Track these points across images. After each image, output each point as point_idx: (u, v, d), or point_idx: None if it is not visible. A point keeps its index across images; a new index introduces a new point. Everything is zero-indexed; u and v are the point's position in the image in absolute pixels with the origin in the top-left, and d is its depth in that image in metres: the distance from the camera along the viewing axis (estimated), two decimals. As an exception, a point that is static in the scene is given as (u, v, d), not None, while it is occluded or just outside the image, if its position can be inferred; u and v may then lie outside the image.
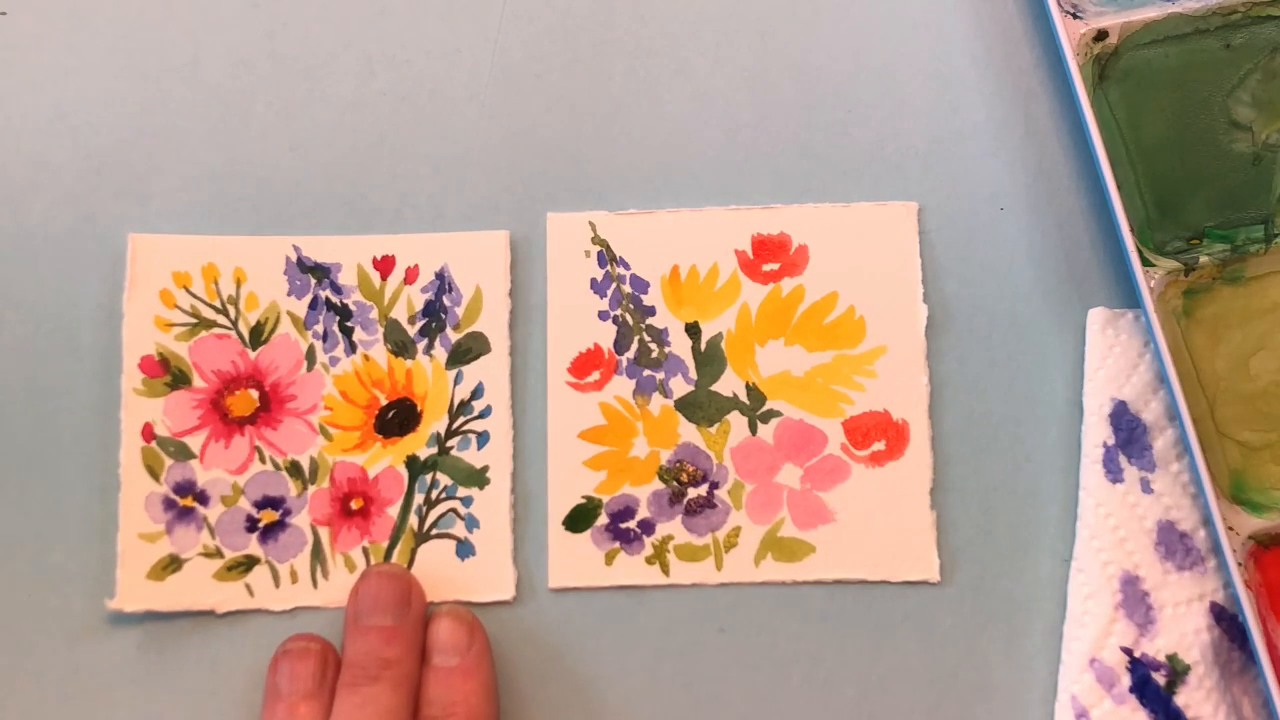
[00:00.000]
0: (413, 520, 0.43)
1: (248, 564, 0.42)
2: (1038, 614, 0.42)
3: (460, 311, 0.43)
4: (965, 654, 0.42)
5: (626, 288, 0.44)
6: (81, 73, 0.45)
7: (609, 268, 0.44)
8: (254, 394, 0.43)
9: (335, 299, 0.43)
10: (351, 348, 0.43)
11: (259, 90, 0.45)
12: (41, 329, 0.44)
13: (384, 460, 0.43)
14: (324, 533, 0.43)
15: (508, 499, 0.43)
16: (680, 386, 0.44)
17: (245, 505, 0.43)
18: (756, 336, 0.44)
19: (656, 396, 0.43)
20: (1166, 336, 0.41)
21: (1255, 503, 0.41)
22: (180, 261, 0.44)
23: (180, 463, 0.43)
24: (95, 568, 0.42)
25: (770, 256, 0.44)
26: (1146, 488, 0.42)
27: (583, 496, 0.43)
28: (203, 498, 0.43)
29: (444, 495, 0.43)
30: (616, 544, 0.43)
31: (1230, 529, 0.41)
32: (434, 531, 0.43)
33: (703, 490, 0.43)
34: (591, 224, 0.44)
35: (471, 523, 0.43)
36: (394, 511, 0.43)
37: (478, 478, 0.43)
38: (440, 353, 0.43)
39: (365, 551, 0.42)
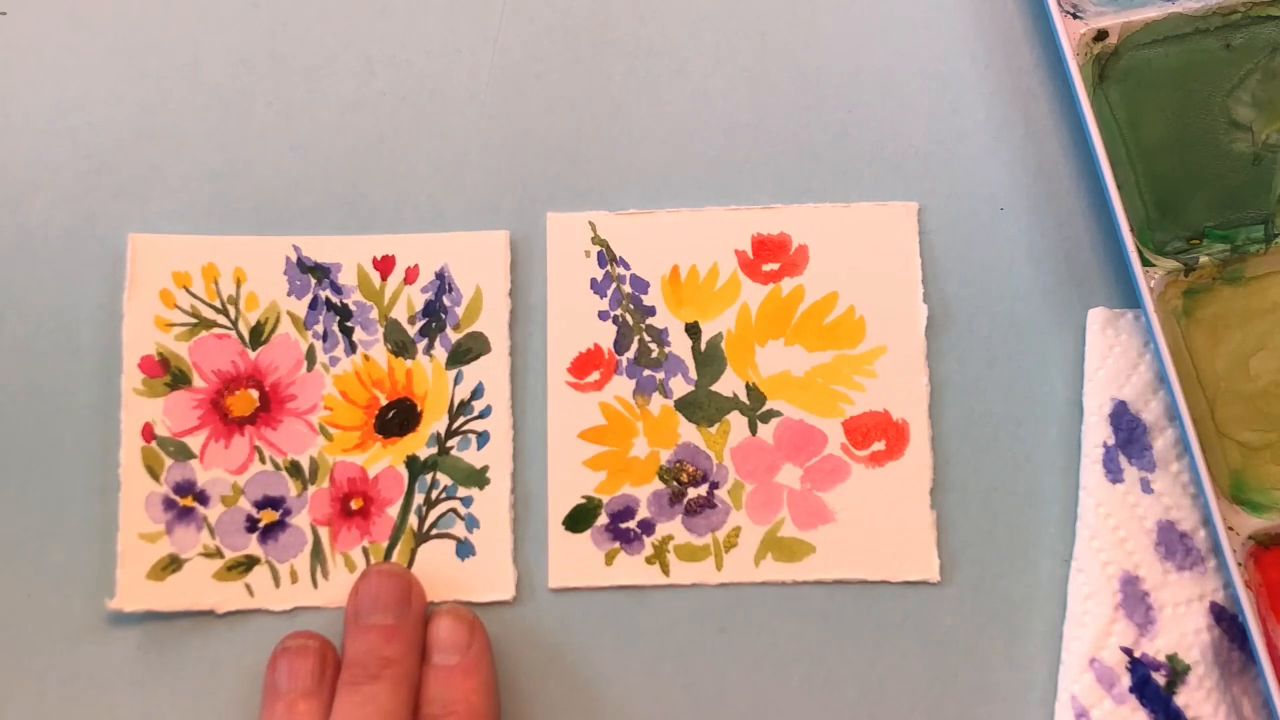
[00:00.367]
0: (413, 520, 0.43)
1: (248, 564, 0.42)
2: (1038, 614, 0.42)
3: (460, 311, 0.43)
4: (965, 654, 0.42)
5: (626, 288, 0.44)
6: (81, 73, 0.45)
7: (609, 268, 0.44)
8: (254, 394, 0.43)
9: (335, 299, 0.43)
10: (351, 348, 0.43)
11: (259, 90, 0.45)
12: (41, 329, 0.44)
13: (384, 460, 0.43)
14: (324, 533, 0.43)
15: (508, 499, 0.43)
16: (680, 386, 0.44)
17: (245, 505, 0.43)
18: (756, 336, 0.44)
19: (656, 396, 0.43)
20: (1166, 336, 0.41)
21: (1255, 503, 0.41)
22: (180, 261, 0.44)
23: (180, 463, 0.43)
24: (95, 568, 0.42)
25: (770, 256, 0.44)
26: (1146, 488, 0.42)
27: (583, 496, 0.43)
28: (203, 498, 0.43)
29: (444, 495, 0.43)
30: (616, 544, 0.43)
31: (1230, 529, 0.41)
32: (434, 531, 0.43)
33: (703, 490, 0.43)
34: (591, 224, 0.44)
35: (471, 523, 0.43)
36: (394, 511, 0.43)
37: (478, 478, 0.43)
38: (440, 353, 0.43)
39: (365, 551, 0.42)
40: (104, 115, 0.45)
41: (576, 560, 0.43)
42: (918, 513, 0.43)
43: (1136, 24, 0.43)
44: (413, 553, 0.43)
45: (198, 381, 0.43)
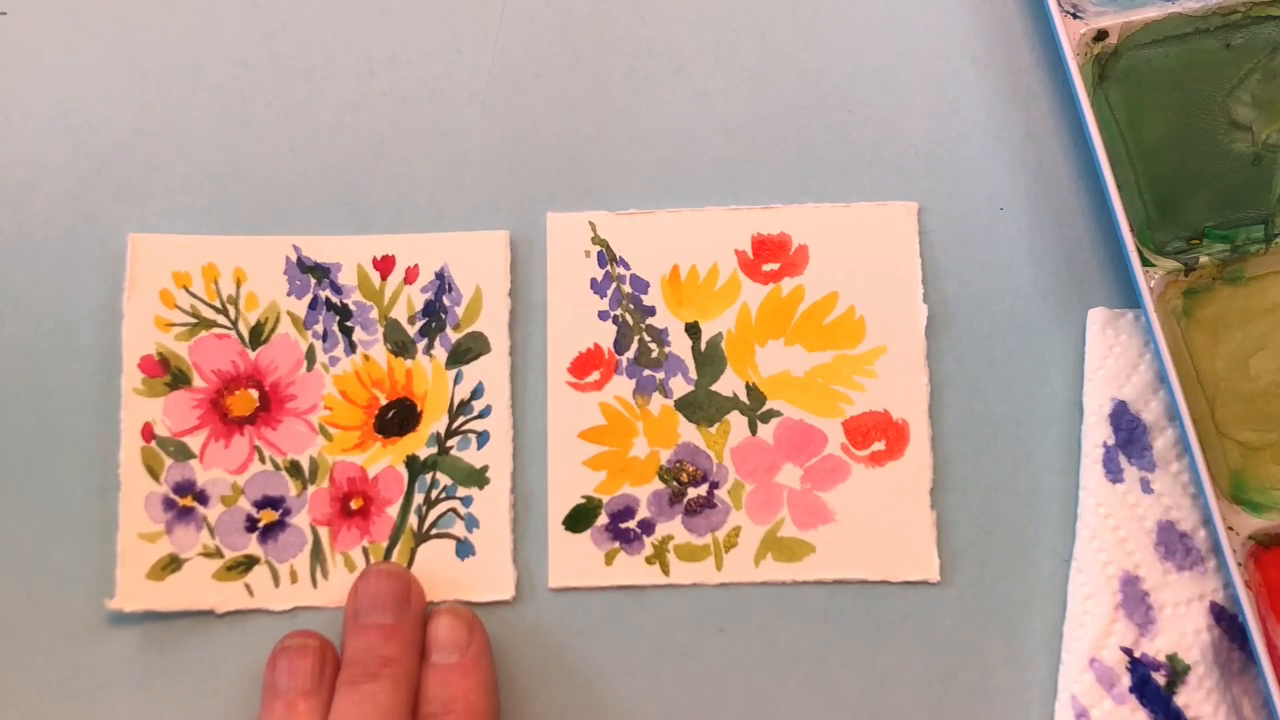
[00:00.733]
0: (412, 520, 0.43)
1: (247, 564, 0.42)
2: (1038, 614, 0.42)
3: (460, 311, 0.43)
4: (965, 654, 0.42)
5: (626, 288, 0.44)
6: (81, 73, 0.45)
7: (609, 268, 0.44)
8: (254, 394, 0.43)
9: (335, 299, 0.43)
10: (351, 347, 0.43)
11: (259, 90, 0.45)
12: (41, 329, 0.44)
13: (384, 460, 0.43)
14: (324, 532, 0.43)
15: (508, 499, 0.43)
16: (680, 386, 0.44)
17: (245, 505, 0.43)
18: (756, 336, 0.44)
19: (656, 396, 0.43)
20: (1166, 336, 0.41)
21: (1255, 503, 0.41)
22: (180, 261, 0.44)
23: (180, 462, 0.43)
24: (95, 568, 0.42)
25: (770, 256, 0.44)
26: (1146, 488, 0.42)
27: (583, 496, 0.43)
28: (202, 497, 0.43)
29: (444, 495, 0.43)
30: (616, 544, 0.43)
31: (1230, 529, 0.41)
32: (434, 531, 0.43)
33: (703, 490, 0.43)
34: (591, 224, 0.44)
35: (471, 522, 0.43)
36: (394, 511, 0.43)
37: (477, 478, 0.43)
38: (440, 352, 0.43)
39: (365, 551, 0.43)
40: (104, 115, 0.45)
41: (576, 560, 0.43)
42: (918, 513, 0.43)
43: (1136, 24, 0.43)
44: (412, 552, 0.43)
45: (197, 381, 0.43)
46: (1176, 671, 0.41)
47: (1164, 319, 0.42)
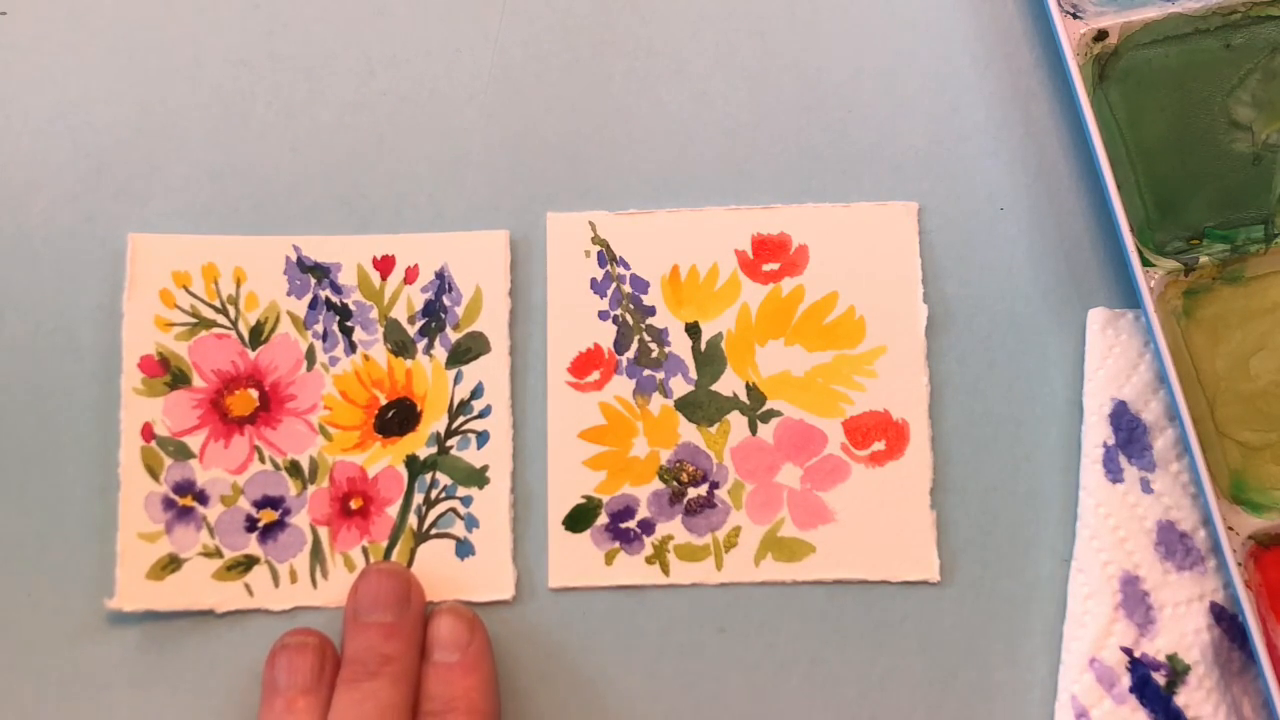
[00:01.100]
0: (412, 520, 0.43)
1: (247, 564, 0.42)
2: (1038, 614, 0.42)
3: (460, 311, 0.43)
4: (965, 654, 0.42)
5: (626, 288, 0.44)
6: (81, 73, 0.45)
7: (609, 268, 0.44)
8: (254, 394, 0.43)
9: (335, 299, 0.43)
10: (351, 347, 0.43)
11: (259, 90, 0.45)
12: (41, 329, 0.44)
13: (383, 460, 0.43)
14: (323, 532, 0.43)
15: (508, 499, 0.43)
16: (680, 386, 0.44)
17: (245, 505, 0.43)
18: (756, 336, 0.44)
19: (656, 396, 0.43)
20: (1166, 336, 0.41)
21: (1255, 503, 0.41)
22: (180, 261, 0.44)
23: (180, 462, 0.43)
24: (95, 568, 0.42)
25: (770, 256, 0.44)
26: (1146, 488, 0.42)
27: (583, 496, 0.43)
28: (202, 497, 0.43)
29: (444, 495, 0.43)
30: (616, 544, 0.43)
31: (1230, 529, 0.41)
32: (433, 531, 0.43)
33: (703, 490, 0.43)
34: (591, 224, 0.44)
35: (471, 522, 0.43)
36: (393, 511, 0.43)
37: (477, 477, 0.43)
38: (440, 352, 0.43)
39: (365, 551, 0.43)
40: (104, 115, 0.45)
41: (576, 560, 0.43)
42: (918, 513, 0.43)
43: (1136, 24, 0.43)
44: (412, 552, 0.43)
45: (197, 381, 0.43)
46: (1176, 671, 0.41)
47: (1164, 319, 0.42)
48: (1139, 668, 0.41)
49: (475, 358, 0.43)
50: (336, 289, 0.43)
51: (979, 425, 0.43)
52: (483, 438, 0.43)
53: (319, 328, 0.43)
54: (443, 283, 0.43)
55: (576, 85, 0.45)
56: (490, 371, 0.43)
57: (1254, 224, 0.43)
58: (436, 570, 0.42)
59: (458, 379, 0.43)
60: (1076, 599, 0.42)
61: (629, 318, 0.44)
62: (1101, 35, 0.43)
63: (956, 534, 0.43)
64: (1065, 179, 0.44)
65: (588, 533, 0.43)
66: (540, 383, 0.44)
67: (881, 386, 0.43)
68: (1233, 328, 0.42)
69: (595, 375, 0.44)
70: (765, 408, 0.43)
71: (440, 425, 0.43)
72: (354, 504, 0.43)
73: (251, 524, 0.43)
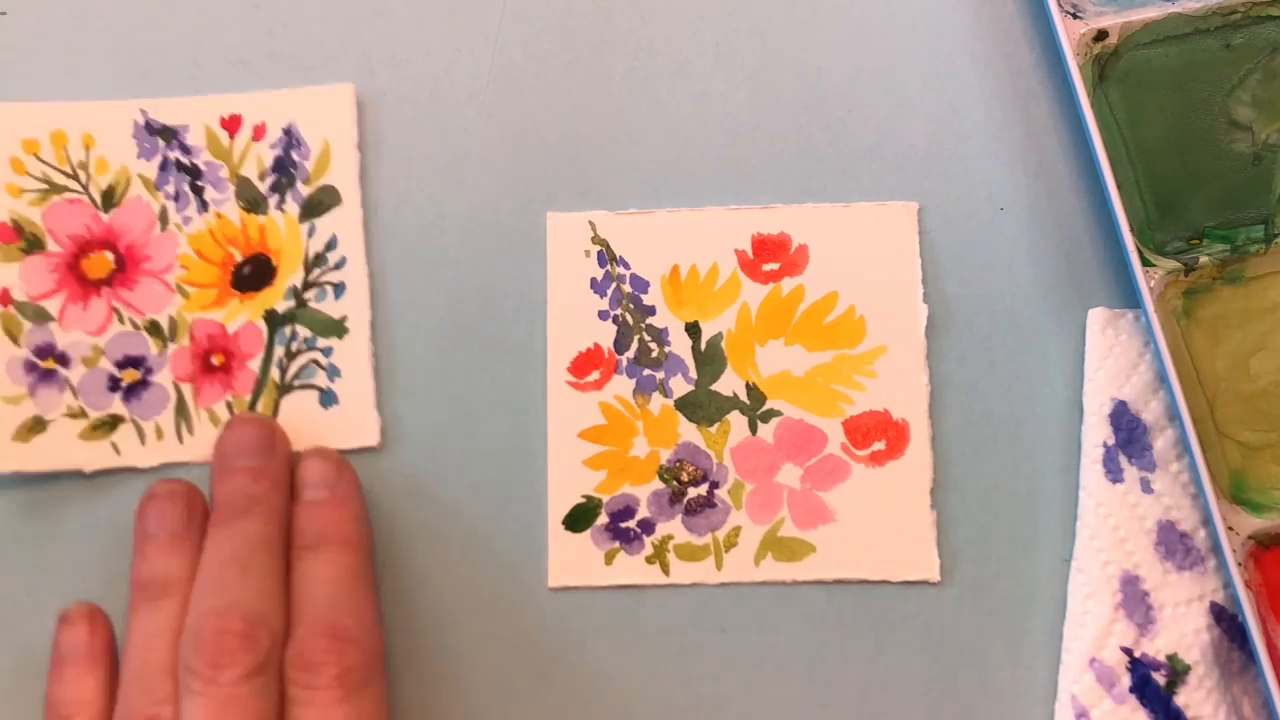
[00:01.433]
0: (274, 373, 0.43)
1: (112, 423, 0.43)
2: (1038, 614, 0.42)
3: (309, 166, 0.44)
4: (965, 654, 0.42)
5: (626, 287, 0.44)
6: (81, 73, 0.45)
7: (609, 267, 0.44)
8: (109, 256, 0.44)
9: (185, 159, 0.44)
10: (204, 207, 0.44)
11: (258, 90, 0.45)
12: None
13: (242, 316, 0.44)
14: (187, 389, 0.43)
15: (368, 347, 0.43)
16: (680, 386, 0.44)
17: (107, 365, 0.43)
18: (756, 336, 0.44)
19: (656, 396, 0.43)
20: (1166, 336, 0.41)
21: (1255, 503, 0.41)
22: (29, 129, 0.44)
23: (39, 326, 0.43)
24: (-45, 430, 0.43)
25: (770, 256, 0.44)
26: (1146, 488, 0.42)
27: (583, 496, 0.43)
28: (64, 360, 0.43)
29: (304, 347, 0.43)
30: (616, 544, 0.43)
31: (1230, 529, 0.41)
32: (296, 383, 0.43)
33: (703, 490, 0.43)
34: (591, 224, 0.44)
35: (333, 372, 0.43)
36: (255, 365, 0.43)
37: (336, 328, 0.43)
38: (292, 207, 0.44)
39: (229, 405, 0.43)
40: (104, 115, 0.45)
41: (576, 560, 0.43)
42: (918, 513, 0.43)
43: (1136, 24, 0.43)
44: (276, 404, 0.43)
45: (52, 246, 0.44)
46: (1176, 671, 0.41)
47: (1164, 319, 0.42)
48: (1139, 668, 0.41)
49: (327, 210, 0.44)
50: (185, 150, 0.44)
51: (979, 425, 0.43)
52: (339, 289, 0.44)
53: (170, 189, 0.44)
54: (291, 139, 0.44)
55: (576, 85, 0.45)
56: (343, 224, 0.44)
57: (1254, 224, 0.43)
58: (301, 420, 0.43)
59: (311, 232, 0.44)
60: (1076, 599, 0.42)
61: (629, 317, 0.44)
62: (1101, 35, 0.43)
63: (956, 534, 0.43)
64: (1065, 179, 0.44)
65: (588, 532, 0.43)
66: (540, 382, 0.44)
67: (881, 386, 0.43)
68: (1233, 328, 0.42)
69: (595, 375, 0.44)
70: (765, 407, 0.43)
71: (297, 279, 0.44)
72: (215, 360, 0.43)
73: (114, 384, 0.43)
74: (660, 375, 0.44)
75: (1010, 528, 0.43)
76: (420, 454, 0.43)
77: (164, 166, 0.44)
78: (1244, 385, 0.42)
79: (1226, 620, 0.42)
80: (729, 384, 0.43)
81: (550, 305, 0.44)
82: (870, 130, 0.45)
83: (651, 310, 0.44)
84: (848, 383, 0.43)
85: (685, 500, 0.43)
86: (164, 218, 0.44)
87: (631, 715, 0.42)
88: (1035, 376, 0.44)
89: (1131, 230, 0.42)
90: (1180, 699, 0.41)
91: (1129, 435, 0.42)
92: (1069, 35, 0.43)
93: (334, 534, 0.40)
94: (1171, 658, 0.41)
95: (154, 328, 0.43)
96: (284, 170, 0.44)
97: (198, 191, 0.44)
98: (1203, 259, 0.42)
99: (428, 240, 0.44)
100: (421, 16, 0.45)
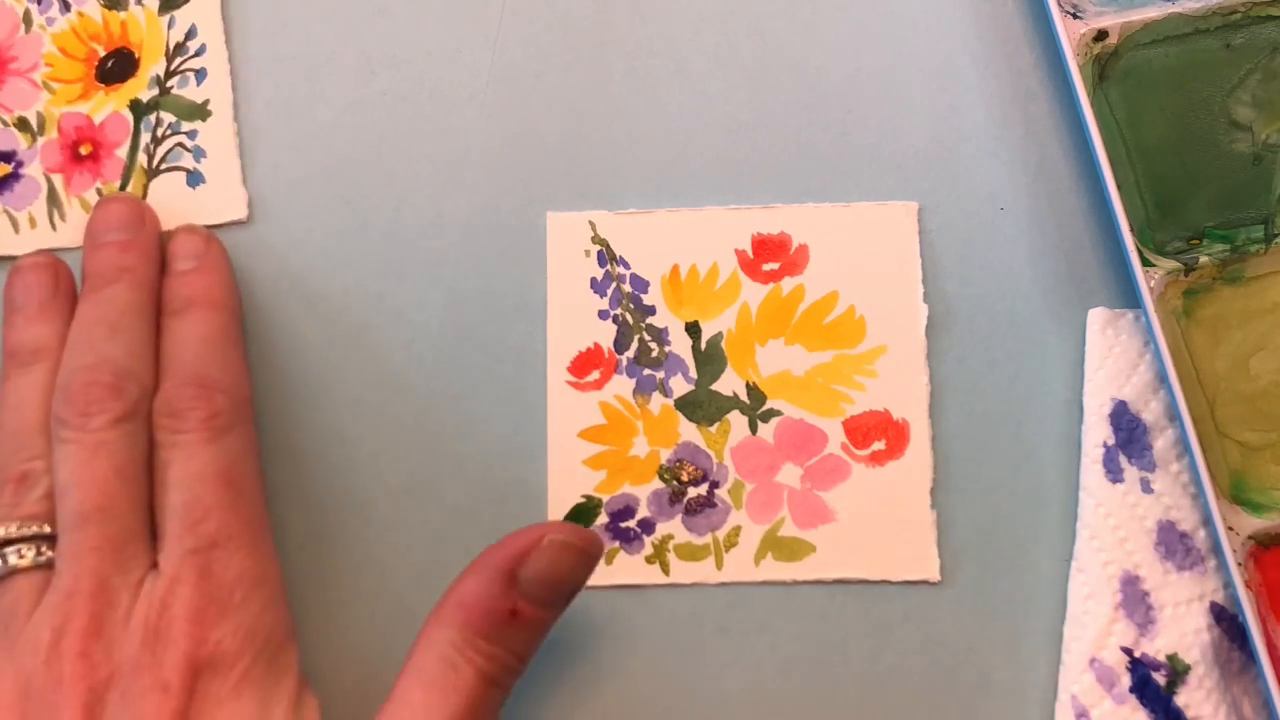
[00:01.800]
0: (141, 158, 0.44)
1: None
2: (1038, 614, 0.42)
3: None
4: (965, 654, 0.42)
5: (626, 287, 0.44)
6: (81, 72, 0.45)
7: (609, 267, 0.44)
8: None
9: None
10: (66, 6, 0.45)
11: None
12: None
13: (108, 106, 0.45)
14: (57, 179, 0.44)
15: (231, 127, 0.44)
16: (680, 386, 0.44)
17: None
18: (757, 336, 0.44)
19: (656, 396, 0.43)
20: (1166, 336, 0.41)
21: (1255, 503, 0.41)
22: None
23: None
24: None
25: (770, 256, 0.44)
26: (1146, 488, 0.42)
27: (583, 496, 0.43)
28: None
29: (169, 131, 0.45)
30: (616, 543, 0.43)
31: (1230, 529, 0.41)
32: (163, 166, 0.44)
33: (703, 490, 0.43)
34: (591, 224, 0.44)
35: (199, 154, 0.44)
36: (122, 153, 0.45)
37: (200, 111, 0.45)
38: (152, 2, 0.45)
39: (99, 191, 0.44)
40: (104, 114, 0.45)
41: (576, 560, 0.43)
42: (918, 512, 0.43)
43: (1136, 24, 0.43)
44: (145, 188, 0.44)
45: None
46: (1176, 671, 0.41)
47: (1164, 319, 0.42)
48: (1139, 668, 0.41)
49: (185, 2, 0.45)
50: None
51: (979, 425, 0.43)
52: (201, 75, 0.45)
53: None
54: None
55: (576, 85, 0.45)
56: (201, 13, 0.45)
57: (1254, 224, 0.43)
58: (171, 201, 0.44)
59: (171, 24, 0.45)
60: (1076, 599, 0.42)
61: (629, 317, 0.44)
62: (1101, 35, 0.43)
63: (956, 534, 0.43)
64: (1065, 179, 0.44)
65: (588, 532, 0.43)
66: (540, 382, 0.44)
67: (882, 386, 0.43)
68: (1233, 328, 0.42)
69: (595, 375, 0.44)
70: (765, 407, 0.43)
71: (159, 69, 0.45)
72: (84, 150, 0.44)
73: None
74: (660, 375, 0.44)
75: (1010, 528, 0.43)
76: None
77: None
78: (1244, 385, 0.42)
79: (1226, 620, 0.42)
80: (729, 384, 0.43)
81: (550, 305, 0.44)
82: (870, 130, 0.45)
83: (651, 310, 0.44)
84: (848, 382, 0.43)
85: (685, 500, 0.43)
86: (28, 20, 0.45)
87: (631, 715, 0.42)
88: (1035, 376, 0.44)
89: (1131, 230, 0.42)
90: (1180, 699, 0.41)
91: (1129, 435, 0.42)
92: (1069, 35, 0.43)
93: (202, 297, 0.41)
94: (1171, 658, 0.41)
95: (22, 123, 0.45)
96: None
97: None
98: (1203, 259, 0.42)
99: (427, 241, 0.44)
100: (421, 16, 0.45)
